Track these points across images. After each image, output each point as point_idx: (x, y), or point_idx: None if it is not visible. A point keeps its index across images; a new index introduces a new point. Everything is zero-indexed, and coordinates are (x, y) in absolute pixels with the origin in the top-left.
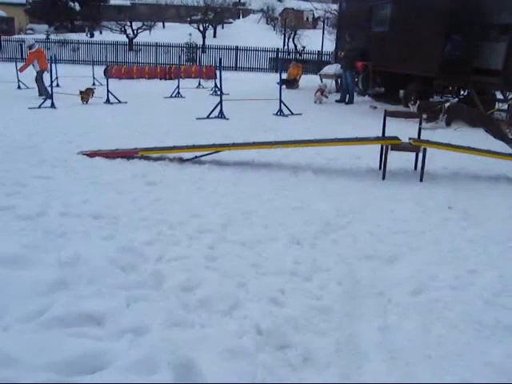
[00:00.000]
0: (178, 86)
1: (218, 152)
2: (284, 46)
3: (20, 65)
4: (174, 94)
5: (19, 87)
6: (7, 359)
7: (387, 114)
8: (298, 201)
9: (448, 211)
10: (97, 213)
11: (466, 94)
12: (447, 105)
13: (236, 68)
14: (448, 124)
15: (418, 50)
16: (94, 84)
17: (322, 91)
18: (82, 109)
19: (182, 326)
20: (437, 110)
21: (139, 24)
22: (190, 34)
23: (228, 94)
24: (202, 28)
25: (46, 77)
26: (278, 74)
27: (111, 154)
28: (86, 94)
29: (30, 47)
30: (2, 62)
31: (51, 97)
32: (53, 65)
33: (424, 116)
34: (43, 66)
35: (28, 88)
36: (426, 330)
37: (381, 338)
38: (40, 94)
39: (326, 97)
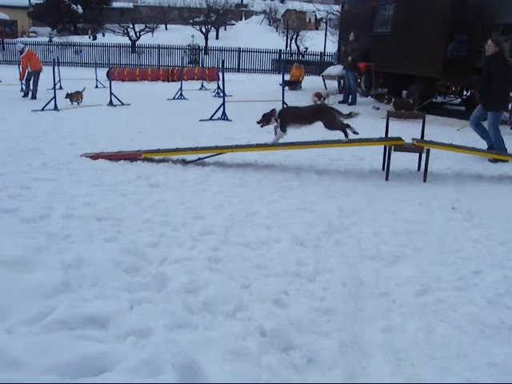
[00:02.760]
0: (181, 88)
1: (221, 154)
2: (286, 47)
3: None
4: (176, 96)
5: (22, 90)
6: (11, 361)
7: (390, 114)
8: (302, 202)
9: (452, 212)
10: (100, 215)
11: (468, 94)
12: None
13: (239, 70)
14: (283, 130)
15: (421, 51)
16: (96, 87)
17: (319, 95)
18: (84, 111)
19: (186, 328)
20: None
21: (142, 26)
22: (193, 36)
23: (231, 96)
24: (204, 30)
25: (46, 76)
26: (281, 76)
27: (114, 156)
28: (73, 97)
29: (21, 52)
30: (5, 65)
31: (35, 96)
32: (55, 67)
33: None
34: (36, 67)
35: (31, 91)
36: (430, 330)
37: (385, 338)
38: (25, 95)
39: (324, 99)
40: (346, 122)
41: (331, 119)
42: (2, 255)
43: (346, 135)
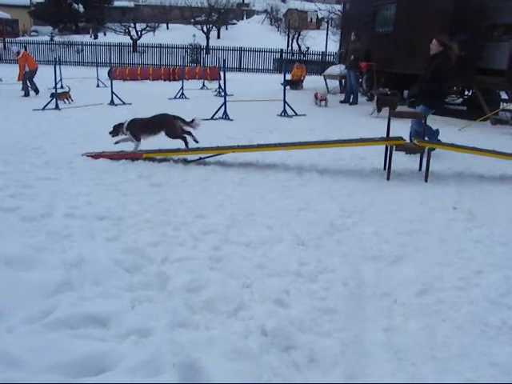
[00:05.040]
0: (182, 87)
1: (222, 154)
2: (288, 46)
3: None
4: (178, 95)
5: (23, 89)
6: (12, 360)
7: (391, 114)
8: (303, 201)
9: (453, 211)
10: (101, 214)
11: (470, 94)
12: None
13: (240, 69)
14: (137, 140)
15: (422, 50)
16: (97, 86)
17: (317, 96)
18: (85, 110)
19: (187, 327)
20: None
21: (143, 25)
22: (194, 35)
23: (232, 95)
24: (205, 29)
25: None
26: (282, 75)
27: (115, 156)
28: (60, 96)
29: (18, 54)
30: (6, 64)
31: (37, 91)
32: (57, 67)
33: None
34: (32, 67)
35: (33, 90)
36: (431, 330)
37: (386, 338)
38: (25, 95)
39: (324, 99)
40: (188, 129)
41: (172, 128)
42: (3, 254)
43: (186, 144)
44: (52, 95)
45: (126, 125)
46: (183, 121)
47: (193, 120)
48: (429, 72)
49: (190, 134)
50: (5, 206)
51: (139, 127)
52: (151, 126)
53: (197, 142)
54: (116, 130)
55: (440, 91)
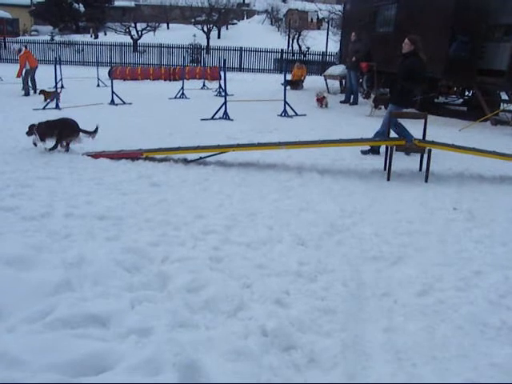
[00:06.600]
0: (183, 87)
1: (222, 153)
2: (288, 46)
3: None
4: (178, 95)
5: (24, 88)
6: (13, 360)
7: (392, 114)
8: (303, 202)
9: (453, 212)
10: (101, 214)
11: (470, 94)
12: None
13: (240, 69)
14: (42, 140)
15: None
16: (98, 85)
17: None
18: (86, 110)
19: (187, 327)
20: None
21: (143, 25)
22: (195, 35)
23: (232, 95)
24: (206, 29)
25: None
26: (283, 75)
27: (116, 155)
28: (47, 94)
29: (19, 51)
30: (6, 64)
31: (35, 90)
32: (57, 66)
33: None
34: (33, 64)
35: (32, 89)
36: (431, 331)
37: (386, 339)
38: (26, 94)
39: (323, 99)
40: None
41: (72, 134)
42: (3, 254)
43: (56, 147)
44: (40, 92)
45: (36, 126)
46: (84, 131)
47: (96, 129)
48: (401, 71)
49: (68, 144)
50: (5, 205)
51: (45, 129)
52: (54, 128)
53: (67, 150)
54: (30, 130)
55: (408, 90)
